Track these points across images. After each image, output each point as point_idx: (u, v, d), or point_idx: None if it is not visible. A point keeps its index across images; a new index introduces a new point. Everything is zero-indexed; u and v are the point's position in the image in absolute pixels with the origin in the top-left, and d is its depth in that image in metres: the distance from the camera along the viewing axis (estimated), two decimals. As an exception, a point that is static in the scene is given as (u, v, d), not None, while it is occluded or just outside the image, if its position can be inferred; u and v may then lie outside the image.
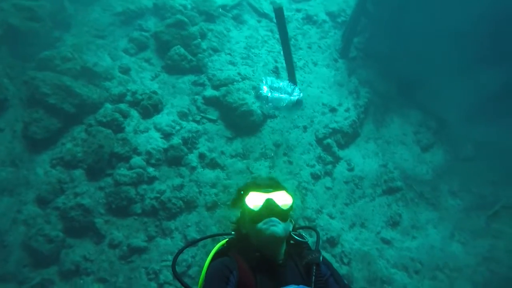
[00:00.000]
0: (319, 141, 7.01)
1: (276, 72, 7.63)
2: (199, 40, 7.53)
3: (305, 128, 7.13)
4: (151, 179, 6.07)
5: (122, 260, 5.42)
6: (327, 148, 6.94)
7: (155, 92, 6.85)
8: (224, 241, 1.68)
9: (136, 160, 6.12)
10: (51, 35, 6.95)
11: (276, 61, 7.78)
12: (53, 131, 6.13)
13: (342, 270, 5.80)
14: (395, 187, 6.75)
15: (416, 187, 6.87)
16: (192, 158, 6.50)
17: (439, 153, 7.39)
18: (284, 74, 7.40)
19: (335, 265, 5.84)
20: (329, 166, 6.82)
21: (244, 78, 7.35)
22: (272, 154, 6.83)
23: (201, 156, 6.53)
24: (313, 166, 6.78)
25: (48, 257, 5.28)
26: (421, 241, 6.36)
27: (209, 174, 6.44)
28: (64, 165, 5.98)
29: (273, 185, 1.66)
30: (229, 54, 7.74)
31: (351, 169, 6.87)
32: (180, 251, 1.68)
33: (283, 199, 1.58)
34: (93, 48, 7.15)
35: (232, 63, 7.61)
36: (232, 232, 1.71)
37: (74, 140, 6.17)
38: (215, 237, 2.34)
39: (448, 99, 7.46)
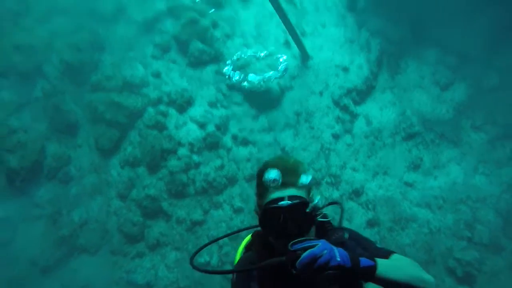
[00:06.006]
0: (336, 102, 7.55)
1: (287, 44, 8.10)
2: (212, 30, 8.23)
3: (321, 93, 7.68)
4: (197, 165, 7.40)
5: (188, 232, 7.01)
6: (344, 108, 7.48)
7: (185, 90, 7.93)
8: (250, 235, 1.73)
9: (182, 151, 7.45)
10: (93, 59, 8.29)
11: (286, 33, 8.17)
12: (115, 140, 7.70)
13: (368, 215, 6.68)
14: (413, 132, 7.13)
15: (437, 129, 7.14)
16: (227, 140, 7.63)
17: (461, 88, 7.38)
18: (294, 45, 7.83)
19: (361, 212, 6.77)
20: (348, 124, 7.41)
21: (258, 58, 7.99)
22: (295, 123, 7.63)
23: (234, 137, 7.62)
24: (333, 127, 7.44)
25: (136, 236, 7.08)
26: (443, 179, 6.83)
27: (243, 151, 7.55)
28: (130, 165, 7.58)
29: (288, 181, 1.45)
30: (241, 36, 8.34)
31: (369, 123, 7.38)
32: (200, 249, 1.80)
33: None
34: (127, 61, 8.35)
35: (246, 45, 8.25)
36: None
37: (131, 144, 7.69)
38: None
39: (466, 32, 7.23)
